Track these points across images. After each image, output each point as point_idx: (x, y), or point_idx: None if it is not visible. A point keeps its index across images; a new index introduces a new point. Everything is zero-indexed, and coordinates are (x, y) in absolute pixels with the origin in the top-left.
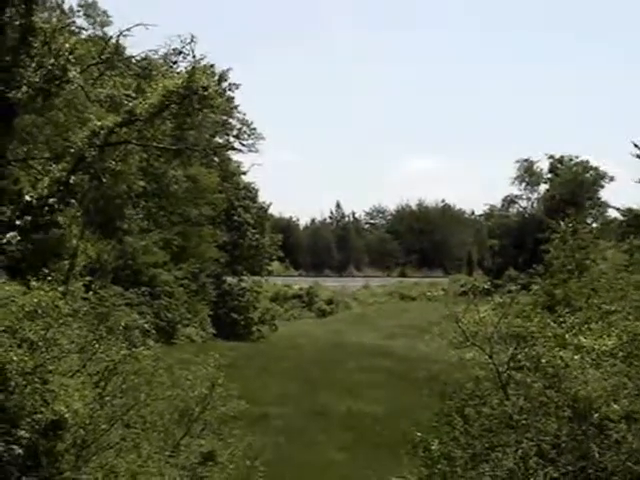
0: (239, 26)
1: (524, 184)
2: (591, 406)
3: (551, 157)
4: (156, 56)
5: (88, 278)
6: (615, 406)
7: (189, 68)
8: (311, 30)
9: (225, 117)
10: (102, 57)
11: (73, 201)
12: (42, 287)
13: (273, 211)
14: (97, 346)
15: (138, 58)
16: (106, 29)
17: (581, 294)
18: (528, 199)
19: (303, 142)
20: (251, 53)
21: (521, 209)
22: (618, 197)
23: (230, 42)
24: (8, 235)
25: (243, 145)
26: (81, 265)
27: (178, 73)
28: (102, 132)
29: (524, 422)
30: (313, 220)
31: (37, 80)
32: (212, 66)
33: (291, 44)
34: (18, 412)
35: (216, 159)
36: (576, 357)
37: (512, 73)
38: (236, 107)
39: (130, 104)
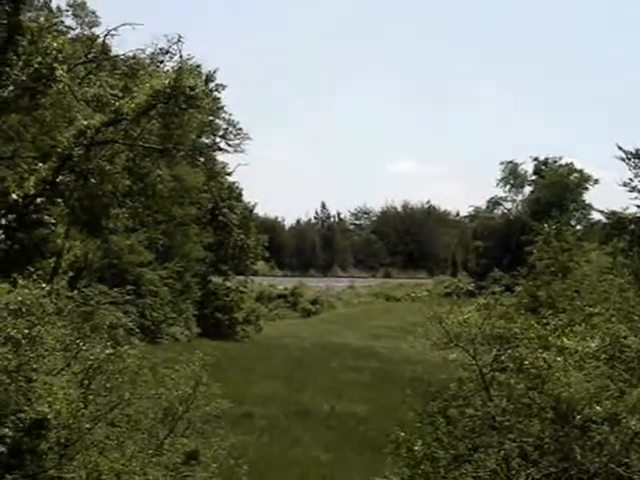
0: (223, 23)
1: (509, 186)
2: (574, 408)
3: (536, 159)
4: (143, 55)
5: (71, 274)
6: (598, 408)
7: (176, 68)
8: (296, 29)
9: (211, 117)
10: (89, 56)
11: (59, 200)
12: (27, 285)
13: (259, 211)
14: (81, 345)
15: (125, 57)
16: (94, 29)
17: (564, 296)
18: (513, 201)
19: (289, 143)
20: (236, 51)
21: (506, 211)
22: (602, 200)
23: (215, 39)
24: None
25: (229, 145)
26: (66, 264)
27: (165, 73)
28: (88, 131)
29: (507, 423)
30: (298, 220)
31: (24, 79)
32: (199, 66)
33: (276, 46)
34: (2, 410)
35: (202, 159)
36: (559, 359)
37: (497, 75)
38: (222, 107)
39: (117, 103)
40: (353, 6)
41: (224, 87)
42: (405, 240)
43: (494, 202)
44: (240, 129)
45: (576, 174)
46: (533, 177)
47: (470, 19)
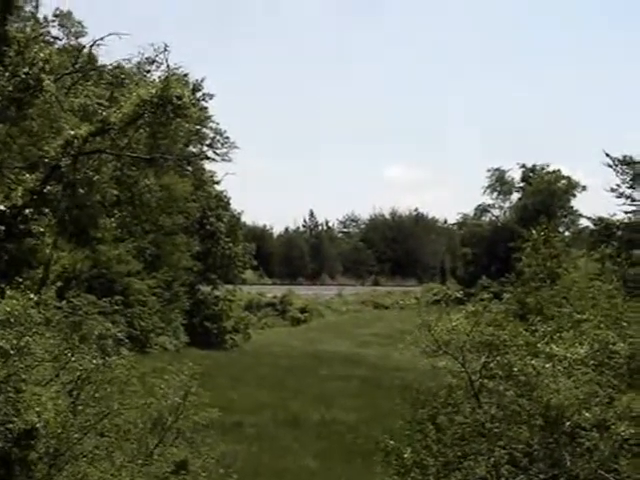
0: (214, 30)
1: (496, 193)
2: (563, 414)
3: (523, 166)
4: (129, 65)
5: (59, 284)
6: (587, 414)
7: (163, 77)
8: (286, 34)
9: (199, 126)
10: (75, 66)
11: (47, 210)
12: (15, 296)
13: (247, 220)
14: (70, 355)
15: (111, 67)
16: (81, 39)
17: (553, 303)
18: (500, 208)
19: (277, 150)
20: (226, 60)
21: (494, 218)
22: (590, 206)
23: (204, 46)
24: None
25: (216, 154)
26: (54, 274)
27: (152, 82)
28: (76, 141)
29: (496, 430)
30: (287, 229)
31: (11, 89)
32: (186, 75)
33: (266, 51)
34: None
35: (189, 168)
36: (548, 365)
37: (484, 81)
38: (210, 117)
39: (104, 113)
40: (349, 8)
41: (211, 96)
42: (393, 248)
43: (482, 209)
44: (227, 138)
45: (564, 181)
46: (521, 184)
47: (464, 23)
